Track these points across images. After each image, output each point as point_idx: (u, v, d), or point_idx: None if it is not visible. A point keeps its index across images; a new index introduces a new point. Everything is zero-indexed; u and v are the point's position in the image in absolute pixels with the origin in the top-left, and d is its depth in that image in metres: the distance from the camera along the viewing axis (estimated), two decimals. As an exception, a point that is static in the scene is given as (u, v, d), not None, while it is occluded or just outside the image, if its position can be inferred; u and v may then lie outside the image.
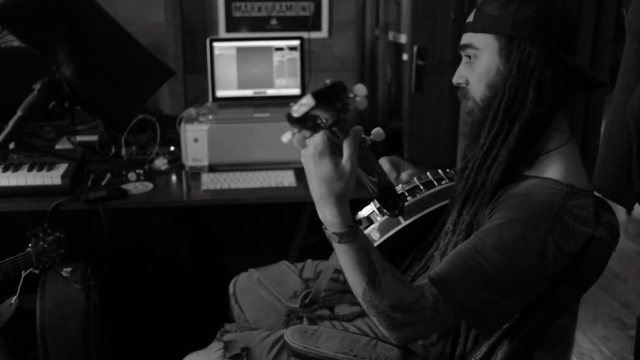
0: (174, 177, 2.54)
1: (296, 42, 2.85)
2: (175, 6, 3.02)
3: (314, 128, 1.16)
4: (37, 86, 1.13)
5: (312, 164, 1.19)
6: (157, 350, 2.58)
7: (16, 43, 3.06)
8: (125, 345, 2.66)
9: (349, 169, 1.20)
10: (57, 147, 2.73)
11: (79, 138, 2.78)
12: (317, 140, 1.17)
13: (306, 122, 1.14)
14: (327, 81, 1.40)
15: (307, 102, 1.08)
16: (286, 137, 1.17)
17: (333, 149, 1.19)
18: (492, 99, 1.40)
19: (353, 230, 1.24)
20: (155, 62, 1.26)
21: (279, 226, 3.04)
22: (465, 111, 1.51)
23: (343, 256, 1.27)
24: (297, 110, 1.09)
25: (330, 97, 1.10)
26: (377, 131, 1.34)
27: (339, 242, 1.25)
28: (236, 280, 2.04)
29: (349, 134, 1.19)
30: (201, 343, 1.68)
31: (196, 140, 2.52)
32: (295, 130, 1.15)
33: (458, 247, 1.34)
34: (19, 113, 1.13)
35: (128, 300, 2.80)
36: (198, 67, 3.12)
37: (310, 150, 1.18)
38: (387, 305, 1.26)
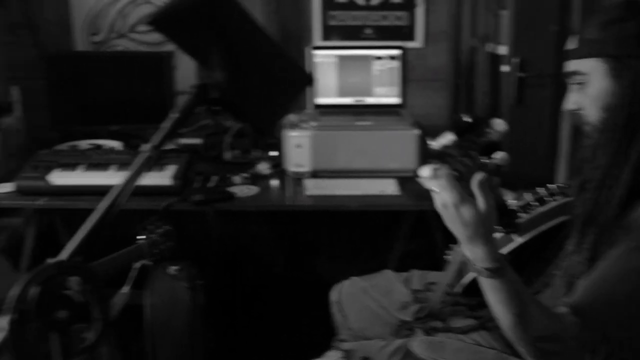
0: (276, 182, 2.59)
1: (396, 52, 2.88)
2: (272, 13, 3.08)
3: (453, 163, 1.18)
4: (192, 89, 1.18)
5: (453, 212, 1.20)
6: (255, 351, 2.63)
7: (121, 47, 3.19)
8: (227, 346, 2.71)
9: (488, 209, 1.21)
10: (162, 148, 2.81)
11: (182, 140, 2.87)
12: (454, 189, 1.19)
13: (443, 157, 1.16)
14: (467, 118, 1.41)
15: (449, 137, 1.10)
16: (426, 172, 1.19)
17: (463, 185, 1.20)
18: (609, 119, 1.38)
19: (502, 265, 1.25)
20: (296, 68, 1.30)
21: (376, 234, 3.06)
22: (581, 134, 1.49)
23: (491, 290, 1.27)
24: (438, 144, 1.12)
25: (471, 133, 1.11)
26: (502, 156, 1.34)
27: (490, 277, 1.25)
28: (341, 288, 2.06)
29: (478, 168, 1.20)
30: (299, 346, 1.70)
31: (299, 146, 2.57)
32: (435, 165, 1.17)
33: (594, 274, 1.32)
34: (175, 114, 1.19)
35: (230, 301, 2.86)
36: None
37: (449, 200, 1.20)
38: (534, 336, 1.25)
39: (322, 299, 2.07)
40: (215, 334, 2.56)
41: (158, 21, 1.12)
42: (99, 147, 2.85)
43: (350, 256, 3.14)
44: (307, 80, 1.33)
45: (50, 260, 1.17)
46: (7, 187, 2.48)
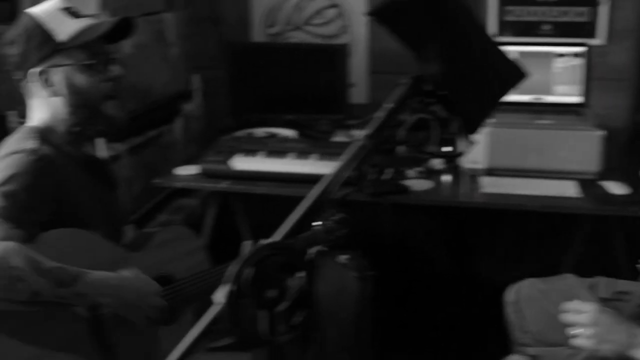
0: (449, 178, 2.57)
1: (580, 49, 2.76)
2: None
3: None
4: (406, 81, 1.19)
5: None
6: (417, 346, 2.63)
7: (295, 40, 3.27)
8: (392, 340, 2.73)
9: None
10: (335, 139, 2.87)
11: (355, 132, 2.90)
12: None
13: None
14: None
15: None
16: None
17: None
18: None
19: None
20: (511, 64, 1.27)
21: (546, 236, 2.96)
22: None
23: None
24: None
25: None
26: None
27: None
28: (518, 289, 2.02)
29: None
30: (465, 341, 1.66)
31: (475, 142, 2.52)
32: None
33: None
34: (388, 105, 1.20)
35: (396, 295, 2.87)
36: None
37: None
38: None
39: (488, 298, 2.03)
40: (382, 327, 2.58)
41: (379, 12, 1.14)
42: (274, 135, 2.95)
43: (517, 257, 3.06)
44: (521, 76, 1.30)
45: (264, 241, 1.22)
46: (192, 170, 2.62)
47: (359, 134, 1.19)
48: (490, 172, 2.54)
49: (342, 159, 1.20)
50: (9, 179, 1.51)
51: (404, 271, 2.98)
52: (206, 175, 2.57)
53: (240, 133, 2.99)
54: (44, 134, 1.68)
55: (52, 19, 1.63)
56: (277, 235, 1.22)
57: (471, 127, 1.24)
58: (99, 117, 1.70)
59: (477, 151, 2.53)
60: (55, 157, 1.62)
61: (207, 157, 2.61)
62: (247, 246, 1.87)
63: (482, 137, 2.52)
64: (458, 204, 2.44)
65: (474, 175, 2.54)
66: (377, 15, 1.14)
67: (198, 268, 1.81)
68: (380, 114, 1.19)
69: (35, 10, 1.64)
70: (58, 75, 1.64)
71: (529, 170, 2.53)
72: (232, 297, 1.15)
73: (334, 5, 3.21)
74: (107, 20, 1.73)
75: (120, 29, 1.71)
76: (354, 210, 2.30)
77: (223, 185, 2.54)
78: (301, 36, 3.28)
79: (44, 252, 1.49)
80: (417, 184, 2.48)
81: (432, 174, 2.59)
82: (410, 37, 1.16)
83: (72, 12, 1.66)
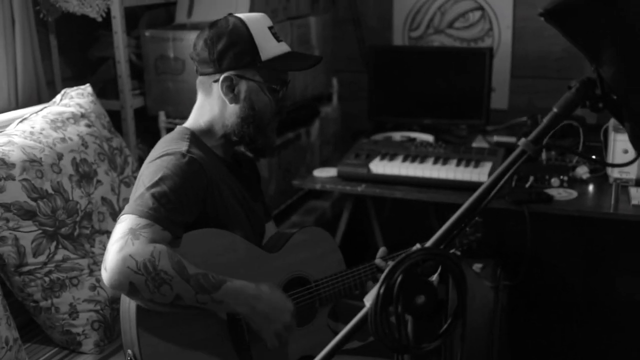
0: (595, 188, 2.45)
1: None
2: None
3: None
4: (575, 85, 1.14)
5: None
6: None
7: (437, 43, 3.23)
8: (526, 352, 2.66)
9: None
10: (474, 145, 2.81)
11: (495, 138, 2.83)
12: None
13: None
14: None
15: None
16: None
17: None
18: None
19: None
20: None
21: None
22: None
23: None
24: None
25: None
26: None
27: None
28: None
29: None
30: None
31: (626, 151, 2.40)
32: None
33: None
34: (554, 110, 1.16)
35: (532, 305, 2.79)
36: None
37: None
38: None
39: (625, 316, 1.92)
40: (514, 337, 2.51)
41: (552, 12, 1.10)
42: (412, 139, 2.93)
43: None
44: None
45: (417, 246, 1.20)
46: (331, 172, 2.65)
47: (522, 140, 1.15)
48: (640, 182, 2.41)
49: (503, 164, 1.16)
50: (159, 181, 1.57)
51: (538, 282, 2.88)
52: (343, 178, 2.59)
53: (377, 136, 2.99)
54: (197, 135, 1.74)
55: (260, 35, 1.69)
56: (430, 241, 1.20)
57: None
58: (260, 136, 1.75)
59: (627, 160, 2.39)
60: (205, 160, 1.68)
61: (346, 160, 2.62)
62: (383, 251, 1.86)
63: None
64: (607, 216, 2.32)
65: (624, 186, 2.41)
66: (550, 15, 1.09)
67: (334, 270, 1.82)
68: (546, 119, 1.14)
69: (245, 18, 1.69)
70: (243, 86, 1.70)
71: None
72: (380, 301, 1.15)
73: (478, 8, 3.15)
74: (306, 55, 1.79)
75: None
76: (493, 218, 2.25)
77: (361, 188, 2.54)
78: (443, 39, 3.24)
79: (187, 251, 1.55)
80: (562, 193, 2.38)
81: (576, 183, 2.49)
82: (583, 39, 1.11)
83: (274, 33, 1.71)
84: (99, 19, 2.41)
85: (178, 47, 2.57)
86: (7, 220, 1.84)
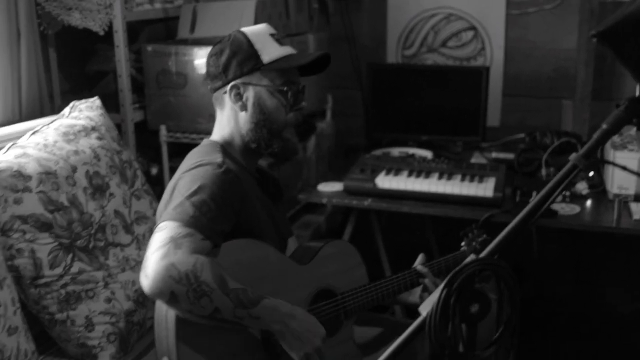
0: (596, 203, 2.53)
1: None
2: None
3: None
4: (624, 102, 1.19)
5: None
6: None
7: (430, 61, 3.29)
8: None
9: None
10: (473, 161, 2.87)
11: (494, 154, 2.90)
12: None
13: None
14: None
15: None
16: None
17: None
18: None
19: None
20: None
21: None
22: None
23: None
24: None
25: None
26: None
27: None
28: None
29: None
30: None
31: (624, 168, 2.47)
32: None
33: None
34: (603, 126, 1.20)
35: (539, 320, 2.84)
36: (602, 94, 3.07)
37: None
38: None
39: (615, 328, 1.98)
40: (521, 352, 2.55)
41: (604, 34, 1.14)
42: (411, 155, 2.97)
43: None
44: None
45: (472, 257, 1.24)
46: (335, 187, 2.67)
47: (573, 155, 1.19)
48: (638, 198, 2.49)
49: (555, 178, 1.20)
50: (198, 190, 1.58)
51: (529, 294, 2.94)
52: (350, 192, 2.61)
53: (377, 152, 3.03)
54: (225, 148, 1.76)
55: (260, 40, 1.72)
56: (484, 252, 1.23)
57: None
58: (276, 139, 1.77)
59: (627, 177, 2.48)
60: (238, 171, 1.69)
61: (351, 174, 2.65)
62: (422, 258, 1.91)
63: (633, 163, 2.47)
64: (606, 230, 2.40)
65: (625, 201, 2.48)
66: (602, 37, 1.14)
67: (358, 283, 1.84)
68: (595, 135, 1.19)
69: (246, 29, 1.74)
70: (250, 92, 1.72)
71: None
72: (440, 309, 1.18)
73: (471, 28, 3.22)
74: (310, 53, 1.81)
75: (316, 64, 1.78)
76: (498, 231, 2.29)
77: (367, 202, 2.57)
78: (436, 58, 3.31)
79: (225, 260, 1.56)
80: (564, 208, 2.45)
81: (576, 198, 2.55)
82: (633, 60, 1.16)
83: (277, 39, 1.74)
84: (101, 33, 2.40)
85: (180, 62, 2.58)
86: (24, 232, 1.82)
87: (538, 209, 1.21)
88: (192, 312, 1.50)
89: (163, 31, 2.91)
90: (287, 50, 1.76)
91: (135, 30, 2.74)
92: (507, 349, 1.31)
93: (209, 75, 1.78)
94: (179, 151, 2.78)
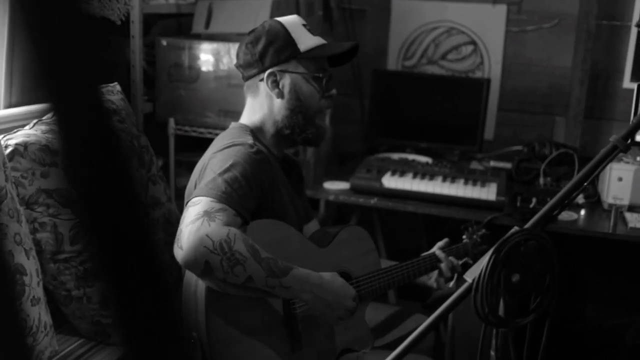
0: (590, 212, 2.63)
1: None
2: (587, 51, 3.12)
3: None
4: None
5: None
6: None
7: (430, 73, 3.39)
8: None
9: None
10: (474, 167, 2.96)
11: (492, 163, 2.99)
12: None
13: None
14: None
15: None
16: None
17: None
18: None
19: None
20: None
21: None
22: None
23: None
24: None
25: None
26: None
27: None
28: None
29: None
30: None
31: (620, 179, 2.58)
32: None
33: None
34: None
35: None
36: (594, 112, 3.19)
37: None
38: None
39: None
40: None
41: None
42: (411, 160, 3.04)
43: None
44: None
45: (516, 228, 1.30)
46: (341, 185, 2.74)
47: (613, 136, 1.27)
48: (632, 208, 2.59)
49: (595, 158, 1.28)
50: (230, 167, 1.63)
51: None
52: (356, 190, 2.67)
53: (379, 156, 3.09)
54: (254, 132, 1.81)
55: (296, 30, 1.79)
56: (529, 223, 1.30)
57: None
58: (310, 125, 1.83)
59: (622, 188, 2.58)
60: (267, 154, 1.75)
61: (358, 173, 2.71)
62: (446, 242, 1.99)
63: (628, 174, 2.58)
64: (603, 236, 2.49)
65: (620, 211, 2.58)
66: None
67: (371, 268, 1.90)
68: (636, 119, 1.27)
69: (281, 19, 1.80)
70: (287, 80, 1.78)
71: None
72: (486, 274, 1.24)
73: (471, 42, 3.33)
74: (342, 43, 1.89)
75: (345, 54, 1.86)
76: (501, 233, 2.37)
77: (373, 201, 2.63)
78: (435, 70, 3.40)
79: (252, 238, 1.60)
80: (564, 215, 2.54)
81: (572, 206, 2.64)
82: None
83: (308, 29, 1.82)
84: (118, 22, 2.44)
85: (193, 56, 2.63)
86: (48, 206, 1.84)
87: (579, 186, 1.28)
88: (225, 281, 1.53)
89: (175, 26, 2.95)
90: (319, 40, 1.83)
91: (147, 23, 2.77)
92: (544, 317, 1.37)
93: (243, 64, 1.84)
94: (186, 144, 2.81)
